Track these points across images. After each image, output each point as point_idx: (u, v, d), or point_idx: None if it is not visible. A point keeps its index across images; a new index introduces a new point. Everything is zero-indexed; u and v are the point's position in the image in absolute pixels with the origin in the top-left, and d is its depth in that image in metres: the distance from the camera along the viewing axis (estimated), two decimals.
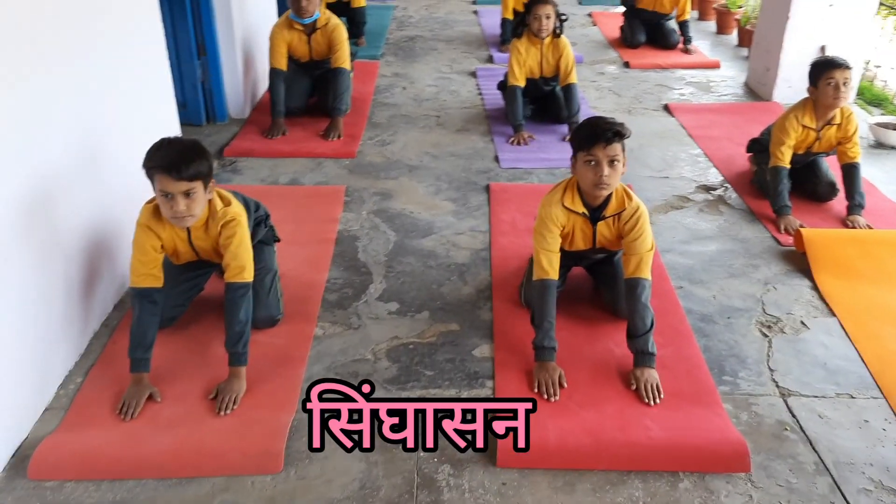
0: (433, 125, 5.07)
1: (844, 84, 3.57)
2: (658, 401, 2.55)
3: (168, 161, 2.40)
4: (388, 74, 6.13)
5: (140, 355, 2.57)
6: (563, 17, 4.75)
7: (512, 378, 2.66)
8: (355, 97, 5.43)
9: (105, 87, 2.99)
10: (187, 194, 2.44)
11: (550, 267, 2.73)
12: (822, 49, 5.21)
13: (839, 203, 3.87)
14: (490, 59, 6.52)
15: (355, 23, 6.85)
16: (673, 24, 6.73)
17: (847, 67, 3.57)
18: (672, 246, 3.56)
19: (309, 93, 5.17)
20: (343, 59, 4.92)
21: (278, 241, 3.14)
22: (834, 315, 3.04)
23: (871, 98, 5.79)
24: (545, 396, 2.56)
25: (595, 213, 2.75)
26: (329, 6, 6.79)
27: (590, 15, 8.10)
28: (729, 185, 4.18)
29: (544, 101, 5.07)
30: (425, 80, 5.99)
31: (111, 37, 3.05)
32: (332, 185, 4.16)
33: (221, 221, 2.62)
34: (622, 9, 6.97)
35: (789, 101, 5.39)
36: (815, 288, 3.21)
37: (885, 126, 4.76)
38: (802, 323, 2.99)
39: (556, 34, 4.73)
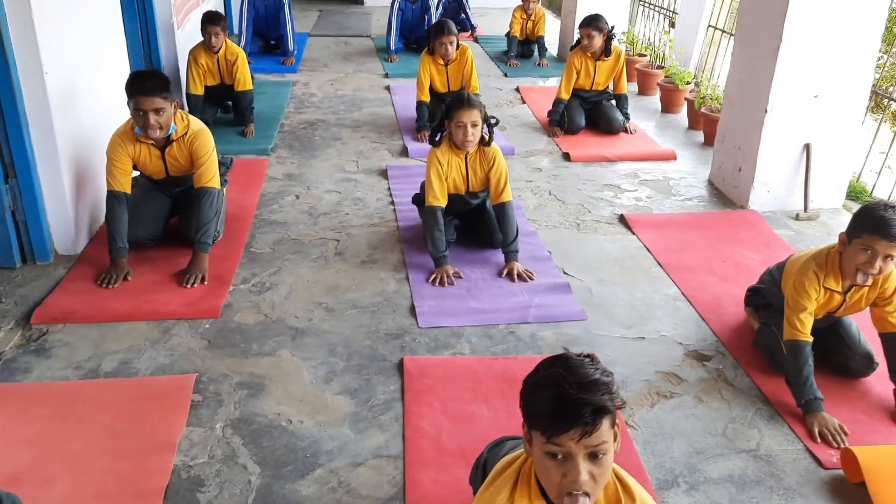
0: (331, 255, 3.89)
1: (886, 260, 2.55)
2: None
3: None
4: (279, 176, 4.94)
5: None
6: (493, 121, 3.67)
7: None
8: (234, 212, 4.24)
9: None
10: None
11: None
12: (807, 148, 4.28)
13: (879, 379, 2.84)
14: (404, 152, 5.41)
15: (240, 109, 5.71)
16: (614, 106, 5.80)
17: None
18: (673, 475, 2.43)
19: (168, 214, 3.96)
20: (208, 176, 3.72)
21: None
22: None
23: (848, 192, 4.89)
24: None
25: None
26: (210, 90, 5.68)
27: (517, 90, 7.11)
28: (725, 350, 3.10)
29: (472, 218, 3.97)
30: (325, 184, 4.82)
31: None
32: (176, 375, 2.90)
33: None
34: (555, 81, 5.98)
35: (770, 209, 4.46)
36: None
37: None
38: None
39: (484, 142, 3.65)
